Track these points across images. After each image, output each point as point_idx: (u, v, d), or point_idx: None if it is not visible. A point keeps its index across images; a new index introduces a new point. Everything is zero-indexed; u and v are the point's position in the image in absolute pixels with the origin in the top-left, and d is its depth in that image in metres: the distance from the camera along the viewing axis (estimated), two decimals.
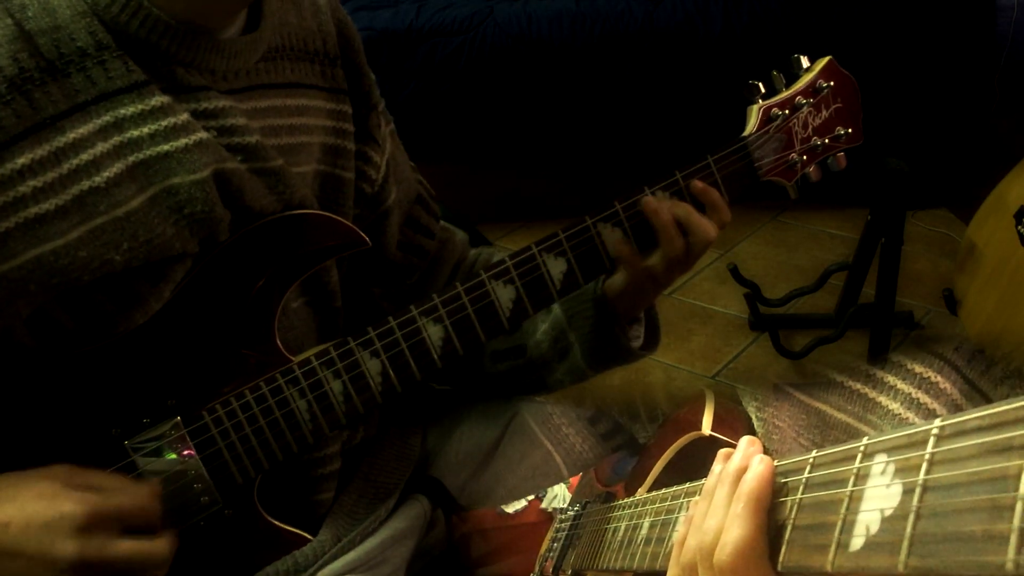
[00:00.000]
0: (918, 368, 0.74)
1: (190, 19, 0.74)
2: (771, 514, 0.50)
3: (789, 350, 2.13)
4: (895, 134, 2.37)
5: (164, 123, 0.73)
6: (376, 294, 0.99)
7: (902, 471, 0.41)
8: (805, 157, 0.92)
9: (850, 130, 0.94)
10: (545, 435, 1.03)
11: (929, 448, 0.39)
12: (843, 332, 2.09)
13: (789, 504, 0.49)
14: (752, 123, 0.90)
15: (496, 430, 1.04)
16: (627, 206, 0.86)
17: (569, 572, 0.87)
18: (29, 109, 0.68)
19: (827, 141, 0.93)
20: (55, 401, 0.75)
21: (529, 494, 0.99)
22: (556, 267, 0.85)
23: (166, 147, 0.73)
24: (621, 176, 2.40)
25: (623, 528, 0.78)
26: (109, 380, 0.76)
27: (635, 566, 0.72)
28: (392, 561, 0.93)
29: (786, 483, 0.51)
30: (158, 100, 0.73)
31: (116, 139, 0.71)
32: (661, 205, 0.85)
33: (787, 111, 0.91)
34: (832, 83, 0.93)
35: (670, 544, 0.65)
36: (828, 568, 0.43)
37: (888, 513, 0.40)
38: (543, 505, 0.98)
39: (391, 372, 0.81)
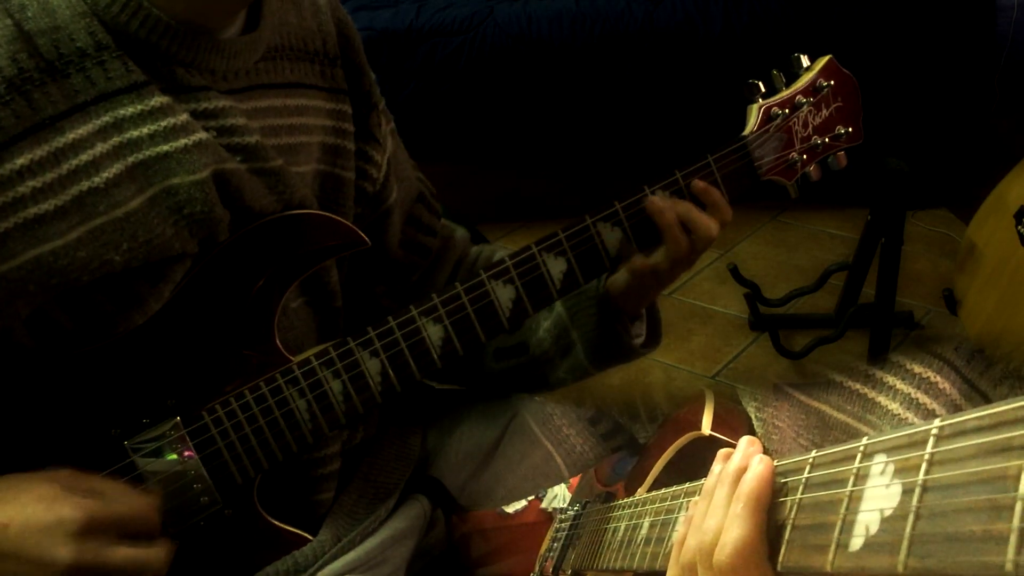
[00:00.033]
0: (917, 368, 0.74)
1: (190, 19, 0.74)
2: (771, 514, 0.50)
3: (789, 350, 2.13)
4: (895, 134, 2.37)
5: (164, 123, 0.73)
6: (379, 292, 0.99)
7: (902, 471, 0.41)
8: (805, 156, 0.92)
9: (850, 129, 0.94)
10: (545, 435, 1.03)
11: (929, 448, 0.39)
12: (843, 332, 2.09)
13: (789, 504, 0.49)
14: (752, 122, 0.90)
15: (496, 430, 1.04)
16: (627, 205, 0.86)
17: (569, 572, 0.87)
18: (28, 110, 0.68)
19: (827, 140, 0.93)
20: (55, 401, 0.75)
21: (529, 494, 0.99)
22: (556, 267, 0.85)
23: (166, 147, 0.73)
24: (621, 176, 2.40)
25: (623, 528, 0.78)
26: (108, 380, 0.76)
27: (635, 566, 0.72)
28: (392, 561, 0.93)
29: (786, 483, 0.51)
30: (158, 100, 0.73)
31: (115, 139, 0.71)
32: (666, 205, 0.85)
33: (787, 110, 0.91)
34: (832, 82, 0.93)
35: (670, 544, 0.65)
36: (828, 568, 0.43)
37: (888, 513, 0.40)
38: (543, 505, 0.98)
39: (391, 372, 0.81)
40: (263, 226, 0.79)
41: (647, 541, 0.71)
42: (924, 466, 0.39)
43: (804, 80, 0.92)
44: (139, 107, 0.72)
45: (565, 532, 0.93)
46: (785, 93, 0.91)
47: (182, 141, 0.73)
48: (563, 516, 0.95)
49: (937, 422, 0.39)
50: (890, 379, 0.75)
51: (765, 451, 0.55)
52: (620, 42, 2.61)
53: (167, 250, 0.74)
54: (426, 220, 1.02)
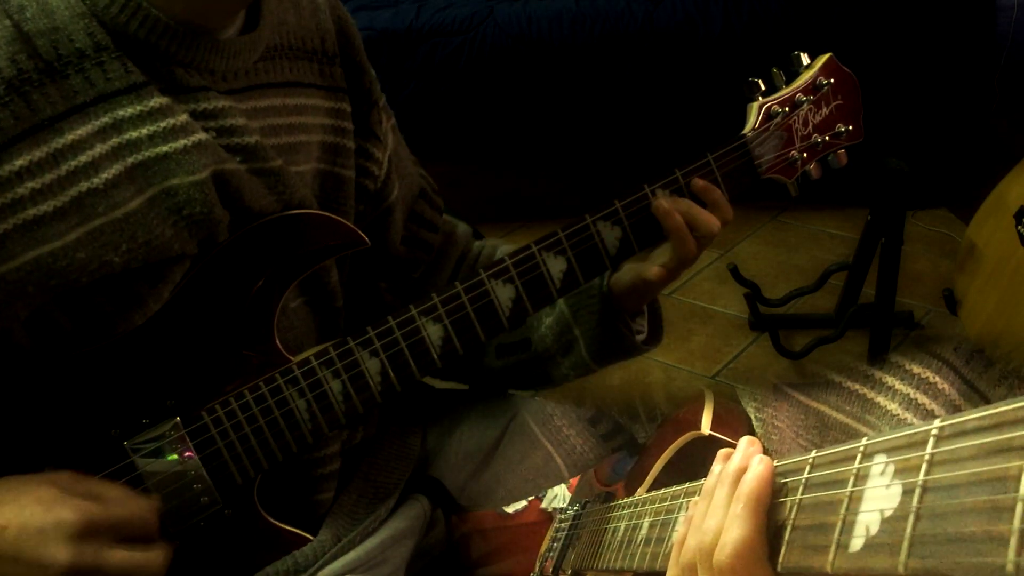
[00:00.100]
0: (916, 368, 0.74)
1: (189, 19, 0.74)
2: (771, 514, 0.50)
3: (789, 350, 2.13)
4: (895, 134, 2.37)
5: (163, 124, 0.73)
6: (382, 288, 0.99)
7: (902, 472, 0.40)
8: (805, 154, 0.92)
9: (851, 127, 0.94)
10: (545, 436, 1.03)
11: (929, 449, 0.39)
12: (843, 332, 2.09)
13: (789, 504, 0.49)
14: (752, 121, 0.90)
15: (496, 430, 1.04)
16: (627, 204, 0.86)
17: (569, 572, 0.87)
18: (27, 111, 0.68)
19: (827, 138, 0.93)
20: (54, 402, 0.75)
21: (529, 495, 0.99)
22: (556, 266, 0.84)
23: (165, 148, 0.73)
24: (621, 176, 2.40)
25: (623, 528, 0.78)
26: (108, 381, 0.76)
27: (635, 566, 0.72)
28: (392, 561, 0.93)
29: (786, 483, 0.51)
30: (157, 101, 0.73)
31: (115, 140, 0.71)
32: (672, 206, 0.85)
33: (787, 108, 0.91)
34: (832, 80, 0.92)
35: (670, 544, 0.65)
36: (828, 569, 0.43)
37: (888, 514, 0.40)
38: (543, 505, 0.98)
39: (390, 372, 0.81)
40: (262, 226, 0.79)
41: (647, 541, 0.71)
42: (924, 467, 0.39)
43: (804, 78, 0.92)
44: (138, 108, 0.72)
45: (565, 532, 0.92)
46: (785, 91, 0.91)
47: (181, 142, 0.73)
48: (563, 516, 0.95)
49: (937, 422, 0.39)
50: (889, 379, 0.75)
51: (765, 451, 0.55)
52: (620, 42, 2.61)
53: (166, 251, 0.73)
54: (428, 216, 1.02)
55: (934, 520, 0.37)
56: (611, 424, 1.04)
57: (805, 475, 0.49)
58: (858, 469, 0.44)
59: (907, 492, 0.39)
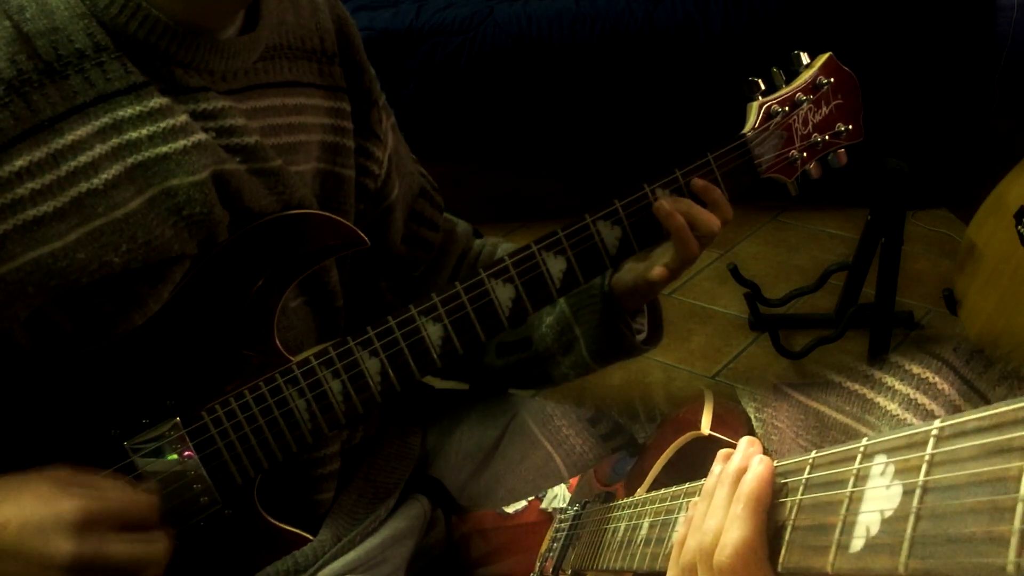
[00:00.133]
0: (916, 369, 0.74)
1: (189, 20, 0.74)
2: (771, 515, 0.50)
3: (789, 350, 2.13)
4: (895, 134, 2.37)
5: (163, 124, 0.73)
6: (382, 288, 0.99)
7: (902, 472, 0.40)
8: (805, 154, 0.92)
9: (851, 126, 0.94)
10: (545, 436, 1.03)
11: (929, 449, 0.39)
12: (843, 332, 2.09)
13: (789, 505, 0.49)
14: (752, 120, 0.90)
15: (496, 430, 1.04)
16: (627, 204, 0.86)
17: (569, 572, 0.87)
18: (27, 111, 0.68)
19: (827, 138, 0.93)
20: (54, 402, 0.75)
21: (529, 495, 0.99)
22: (556, 266, 0.84)
23: (165, 149, 0.73)
24: (621, 176, 2.40)
25: (623, 528, 0.78)
26: (108, 381, 0.76)
27: (635, 566, 0.72)
28: (392, 561, 0.93)
29: (786, 484, 0.51)
30: (157, 101, 0.73)
31: (114, 141, 0.71)
32: (673, 207, 0.85)
33: (787, 108, 0.91)
34: (832, 79, 0.92)
35: (670, 544, 0.65)
36: (828, 570, 0.43)
37: (888, 514, 0.40)
38: (543, 505, 0.98)
39: (390, 372, 0.81)
40: (262, 226, 0.79)
41: (647, 541, 0.71)
42: (924, 467, 0.39)
43: (804, 77, 0.92)
44: (138, 108, 0.72)
45: (565, 532, 0.92)
46: (785, 90, 0.91)
47: (181, 142, 0.73)
48: (563, 516, 0.95)
49: (937, 423, 0.39)
50: (889, 380, 0.75)
51: (765, 451, 0.55)
52: (620, 42, 2.61)
53: (166, 251, 0.73)
54: (428, 215, 1.02)
55: (934, 521, 0.37)
56: (611, 424, 1.04)
57: (805, 475, 0.49)
58: (858, 470, 0.44)
59: (907, 493, 0.39)
